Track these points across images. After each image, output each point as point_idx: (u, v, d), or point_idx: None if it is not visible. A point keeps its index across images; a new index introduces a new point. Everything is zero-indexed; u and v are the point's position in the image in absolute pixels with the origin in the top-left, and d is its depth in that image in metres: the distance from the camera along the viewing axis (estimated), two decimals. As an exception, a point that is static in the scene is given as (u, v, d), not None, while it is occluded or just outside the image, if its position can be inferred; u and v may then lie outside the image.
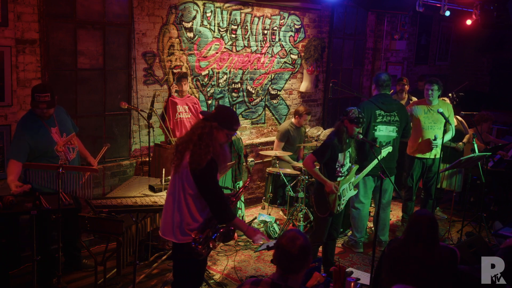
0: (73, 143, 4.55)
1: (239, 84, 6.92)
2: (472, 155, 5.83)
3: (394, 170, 5.53)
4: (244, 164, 6.16)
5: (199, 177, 3.21)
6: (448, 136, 5.92)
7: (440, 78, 6.20)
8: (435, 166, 5.95)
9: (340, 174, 4.68)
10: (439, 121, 5.83)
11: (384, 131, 5.37)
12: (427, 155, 5.94)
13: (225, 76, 6.71)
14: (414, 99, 7.14)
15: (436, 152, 5.92)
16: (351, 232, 5.94)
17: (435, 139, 5.80)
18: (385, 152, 5.10)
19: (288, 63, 7.55)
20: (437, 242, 3.15)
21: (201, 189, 3.24)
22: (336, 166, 4.64)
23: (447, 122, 5.64)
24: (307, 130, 7.39)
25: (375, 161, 4.84)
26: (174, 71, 6.07)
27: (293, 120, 6.87)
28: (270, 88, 7.37)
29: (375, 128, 5.35)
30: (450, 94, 6.91)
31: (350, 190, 4.81)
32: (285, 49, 7.43)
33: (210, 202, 3.27)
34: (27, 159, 4.21)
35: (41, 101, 4.19)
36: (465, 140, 6.76)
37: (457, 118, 6.72)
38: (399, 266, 3.05)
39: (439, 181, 6.26)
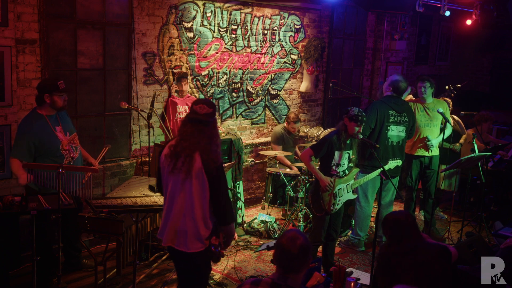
0: (76, 142, 4.56)
1: (239, 84, 6.92)
2: (472, 155, 5.80)
3: (399, 170, 5.53)
4: (244, 164, 6.15)
5: (215, 177, 3.16)
6: (447, 133, 5.88)
7: (440, 78, 6.18)
8: (434, 164, 5.90)
9: (335, 174, 4.68)
10: (435, 119, 5.77)
11: (395, 131, 5.40)
12: (424, 154, 5.88)
13: (225, 76, 6.71)
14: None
15: (433, 150, 5.85)
16: (351, 232, 5.95)
17: (428, 140, 5.74)
18: (393, 164, 5.10)
19: (288, 63, 7.55)
20: (420, 237, 3.13)
21: (214, 188, 3.19)
22: (332, 164, 4.63)
23: (447, 122, 5.63)
24: (306, 130, 7.38)
25: (379, 169, 4.83)
26: (174, 71, 6.07)
27: (285, 124, 6.88)
28: (270, 88, 7.36)
29: (388, 128, 5.37)
30: (447, 87, 6.81)
31: (348, 192, 4.79)
32: (285, 49, 7.43)
33: (219, 201, 3.21)
34: (33, 159, 4.22)
35: (65, 89, 4.33)
36: (461, 140, 6.67)
37: (453, 118, 6.63)
38: (390, 267, 3.04)
39: (438, 180, 6.24)
